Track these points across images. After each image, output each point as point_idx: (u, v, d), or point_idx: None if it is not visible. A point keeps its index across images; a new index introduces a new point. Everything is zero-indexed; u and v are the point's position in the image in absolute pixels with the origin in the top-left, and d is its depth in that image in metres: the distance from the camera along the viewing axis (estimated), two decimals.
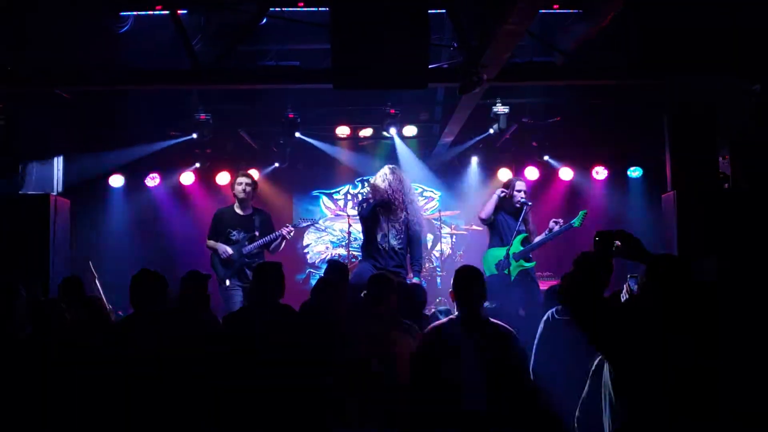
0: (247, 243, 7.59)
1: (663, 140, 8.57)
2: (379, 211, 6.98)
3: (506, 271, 7.07)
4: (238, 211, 7.79)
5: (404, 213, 7.01)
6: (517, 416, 3.92)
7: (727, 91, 7.68)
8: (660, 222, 8.41)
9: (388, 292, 4.57)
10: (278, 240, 7.69)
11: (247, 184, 7.78)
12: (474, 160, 11.06)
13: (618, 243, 3.88)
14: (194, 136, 9.62)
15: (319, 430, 4.14)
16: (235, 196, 7.83)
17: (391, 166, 7.27)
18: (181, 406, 3.83)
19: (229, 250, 7.53)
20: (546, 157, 10.74)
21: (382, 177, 7.09)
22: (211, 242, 7.71)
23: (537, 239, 7.28)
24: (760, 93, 7.26)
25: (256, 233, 7.66)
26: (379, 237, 6.96)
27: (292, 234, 7.80)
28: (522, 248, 7.24)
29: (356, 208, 7.58)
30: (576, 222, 7.39)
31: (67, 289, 5.68)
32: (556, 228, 7.39)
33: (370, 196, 7.11)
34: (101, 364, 3.92)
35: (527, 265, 7.25)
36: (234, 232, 7.65)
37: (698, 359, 3.21)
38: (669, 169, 8.43)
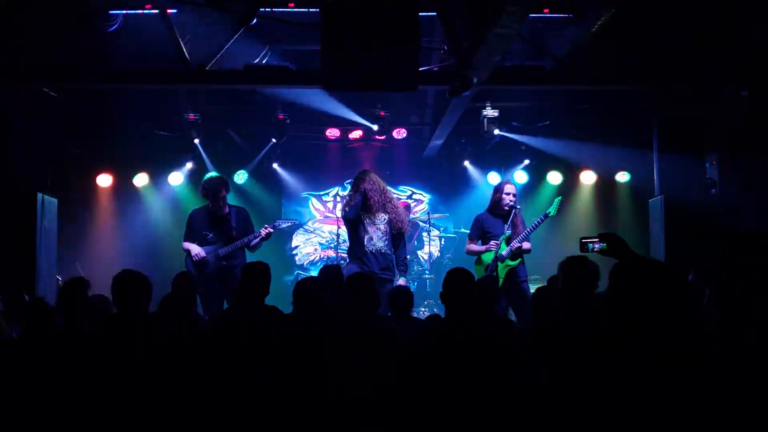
0: (223, 244, 7.31)
1: (651, 145, 8.64)
2: (362, 214, 7.03)
3: (494, 274, 7.09)
4: (214, 211, 7.40)
5: (385, 214, 7.07)
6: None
7: (716, 98, 7.74)
8: (647, 227, 8.48)
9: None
10: (257, 240, 7.42)
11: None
12: (463, 163, 11.07)
13: (603, 244, 3.95)
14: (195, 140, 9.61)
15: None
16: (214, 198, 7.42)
17: (363, 170, 7.37)
18: (164, 407, 3.80)
19: (202, 253, 7.22)
20: (534, 161, 10.77)
21: (356, 181, 7.19)
22: (185, 244, 7.39)
23: (517, 239, 7.29)
24: (748, 100, 7.31)
25: (234, 233, 7.34)
26: (365, 240, 7.01)
27: (271, 235, 7.50)
28: (506, 247, 7.26)
29: (341, 211, 7.56)
30: (552, 210, 7.36)
31: (72, 290, 5.60)
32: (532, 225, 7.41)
33: (351, 198, 7.18)
34: (90, 365, 3.88)
35: (513, 263, 7.26)
36: (210, 235, 7.34)
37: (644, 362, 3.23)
38: (657, 175, 8.50)
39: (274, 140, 10.12)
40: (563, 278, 4.39)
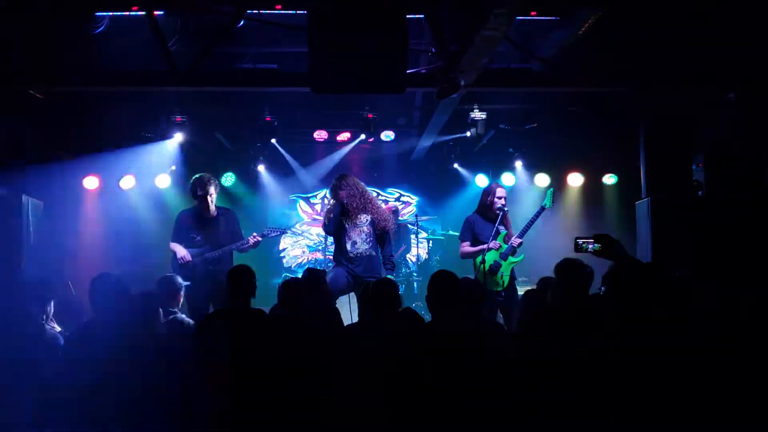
0: (210, 248, 7.31)
1: (638, 147, 8.67)
2: (342, 220, 7.02)
3: (500, 274, 7.13)
4: (202, 213, 7.42)
5: (366, 215, 7.07)
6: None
7: (702, 100, 7.77)
8: (634, 228, 8.49)
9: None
10: (245, 247, 7.43)
11: (215, 189, 7.45)
12: (451, 165, 11.07)
13: (599, 246, 3.99)
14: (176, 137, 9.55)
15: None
16: (204, 199, 7.42)
17: (340, 174, 7.35)
18: (150, 411, 3.78)
19: (188, 256, 7.22)
20: (522, 163, 10.79)
21: (334, 189, 7.22)
22: (172, 245, 7.37)
23: (517, 234, 7.34)
24: (734, 101, 7.35)
25: (222, 237, 7.36)
26: (348, 245, 7.02)
27: (259, 243, 7.51)
28: (506, 245, 7.29)
29: (322, 225, 7.52)
30: (547, 202, 7.44)
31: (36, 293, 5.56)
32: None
33: (330, 210, 7.19)
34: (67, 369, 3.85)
35: (517, 259, 7.32)
36: (198, 237, 7.34)
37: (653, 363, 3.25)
38: (644, 176, 8.52)
39: (274, 140, 10.02)
40: (558, 279, 4.40)
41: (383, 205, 7.50)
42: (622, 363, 3.31)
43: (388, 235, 7.23)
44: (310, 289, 5.39)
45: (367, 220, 7.09)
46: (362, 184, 7.30)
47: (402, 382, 3.97)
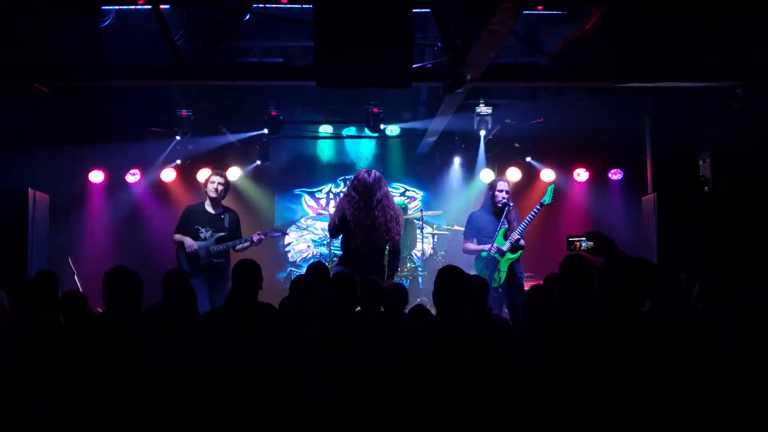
0: (215, 242, 7.57)
1: (644, 143, 8.66)
2: (348, 225, 6.88)
3: (497, 270, 7.13)
4: (209, 209, 7.73)
5: (374, 219, 6.84)
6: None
7: (709, 95, 7.75)
8: (640, 224, 8.48)
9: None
10: (246, 244, 7.69)
11: (219, 183, 7.72)
12: (456, 160, 11.06)
13: (591, 244, 3.98)
14: (177, 138, 9.66)
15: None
16: (206, 193, 7.77)
17: (347, 186, 7.13)
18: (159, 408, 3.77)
19: (195, 245, 7.49)
20: (528, 159, 10.77)
21: (340, 202, 7.14)
22: (177, 236, 7.64)
23: (515, 231, 7.31)
24: (741, 96, 7.32)
25: (226, 233, 7.64)
26: (351, 246, 6.87)
27: (261, 242, 7.81)
28: (505, 242, 7.28)
29: (327, 228, 7.44)
30: (546, 199, 7.40)
31: (43, 285, 5.55)
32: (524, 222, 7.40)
33: (333, 218, 7.05)
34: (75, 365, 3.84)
35: (514, 256, 7.31)
36: (202, 230, 7.60)
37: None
38: (650, 172, 8.51)
39: (266, 130, 9.99)
40: (562, 275, 4.39)
41: (395, 208, 7.15)
42: (609, 360, 3.31)
43: (396, 247, 6.94)
44: (323, 282, 5.38)
45: (373, 225, 6.86)
46: (372, 187, 6.86)
47: (400, 379, 3.96)
